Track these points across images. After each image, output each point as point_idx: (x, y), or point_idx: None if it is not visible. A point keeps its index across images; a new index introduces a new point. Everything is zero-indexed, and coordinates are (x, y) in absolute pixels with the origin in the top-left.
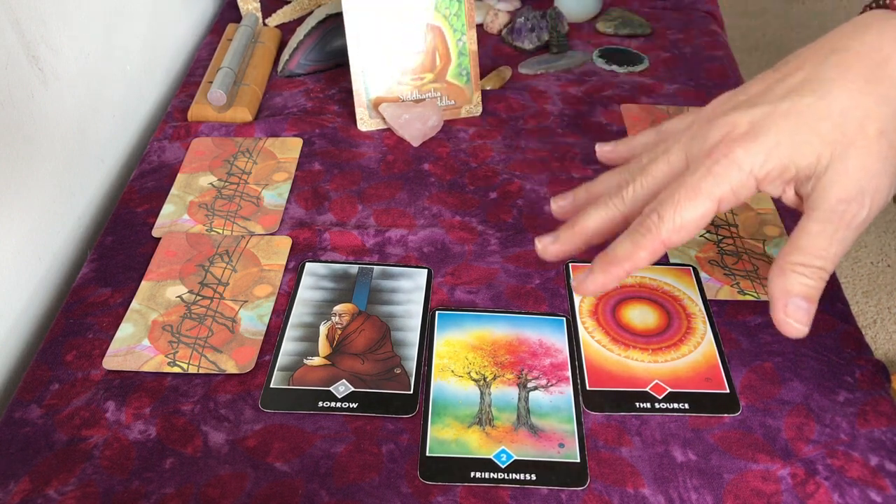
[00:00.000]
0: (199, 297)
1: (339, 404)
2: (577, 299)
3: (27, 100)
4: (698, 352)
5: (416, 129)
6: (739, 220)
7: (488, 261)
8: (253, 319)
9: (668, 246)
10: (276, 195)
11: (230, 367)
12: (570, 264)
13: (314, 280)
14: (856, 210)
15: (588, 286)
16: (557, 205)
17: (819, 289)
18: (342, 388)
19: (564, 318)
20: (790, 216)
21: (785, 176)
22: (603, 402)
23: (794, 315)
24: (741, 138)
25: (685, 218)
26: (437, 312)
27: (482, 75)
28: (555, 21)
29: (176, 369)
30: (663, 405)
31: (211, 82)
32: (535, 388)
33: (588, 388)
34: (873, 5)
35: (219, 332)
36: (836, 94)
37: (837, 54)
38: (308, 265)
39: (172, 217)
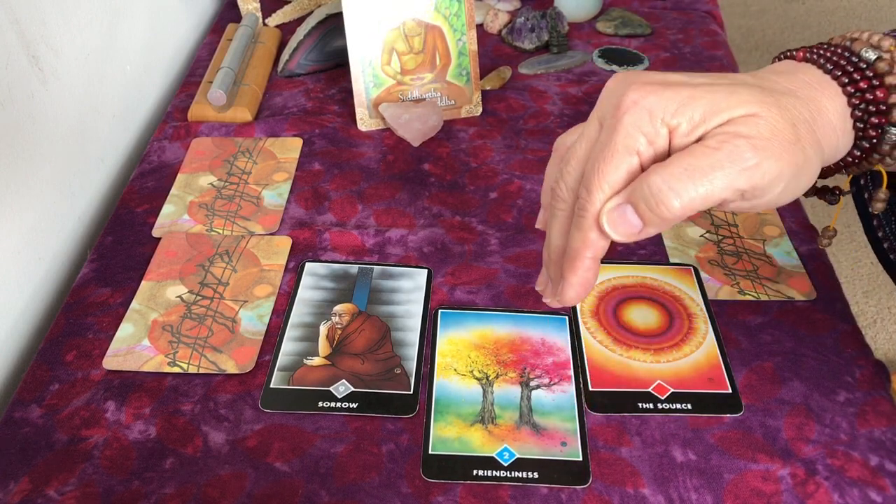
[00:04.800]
0: (199, 297)
1: (339, 404)
2: None
3: (27, 100)
4: (700, 352)
5: (415, 129)
6: (739, 221)
7: (488, 261)
8: (253, 319)
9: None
10: (276, 195)
11: (230, 367)
12: None
13: (314, 280)
14: (748, 157)
15: (568, 293)
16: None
17: (653, 221)
18: (342, 388)
19: (566, 317)
20: (790, 216)
21: (694, 132)
22: (606, 403)
23: (610, 217)
24: (652, 87)
25: (611, 181)
26: (439, 311)
27: (482, 75)
28: (555, 21)
29: (176, 369)
30: (666, 405)
31: (211, 82)
32: (538, 387)
33: (591, 389)
34: (782, 56)
35: (219, 332)
36: (745, 88)
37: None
38: (308, 265)
39: (172, 217)
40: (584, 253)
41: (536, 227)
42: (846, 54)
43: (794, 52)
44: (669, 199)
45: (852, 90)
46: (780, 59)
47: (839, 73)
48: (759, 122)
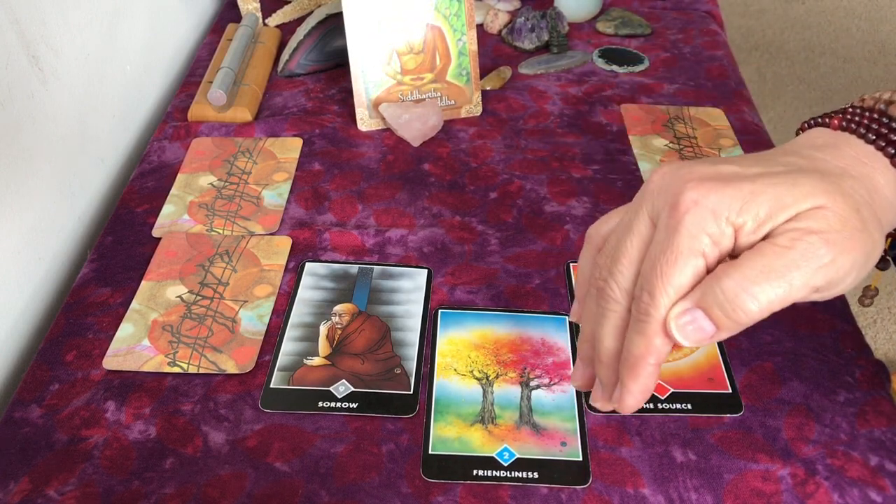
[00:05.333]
0: (199, 297)
1: (339, 404)
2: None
3: (27, 99)
4: (700, 352)
5: (415, 129)
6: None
7: (488, 261)
8: (253, 319)
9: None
10: (276, 195)
11: (230, 367)
12: (570, 263)
13: (314, 280)
14: (823, 253)
15: (628, 402)
16: (576, 372)
17: (727, 323)
18: (342, 388)
19: (567, 317)
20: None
21: (760, 230)
22: None
23: (681, 324)
24: (711, 184)
25: (677, 285)
26: (439, 311)
27: (482, 75)
28: (555, 21)
29: (176, 369)
30: (666, 405)
31: (211, 82)
32: (538, 387)
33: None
34: (812, 123)
35: (219, 332)
36: (805, 176)
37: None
38: (308, 265)
39: (172, 217)
40: (646, 359)
41: (571, 319)
42: (885, 120)
43: (827, 120)
44: (746, 304)
45: None
46: (810, 126)
47: (884, 144)
48: (827, 215)
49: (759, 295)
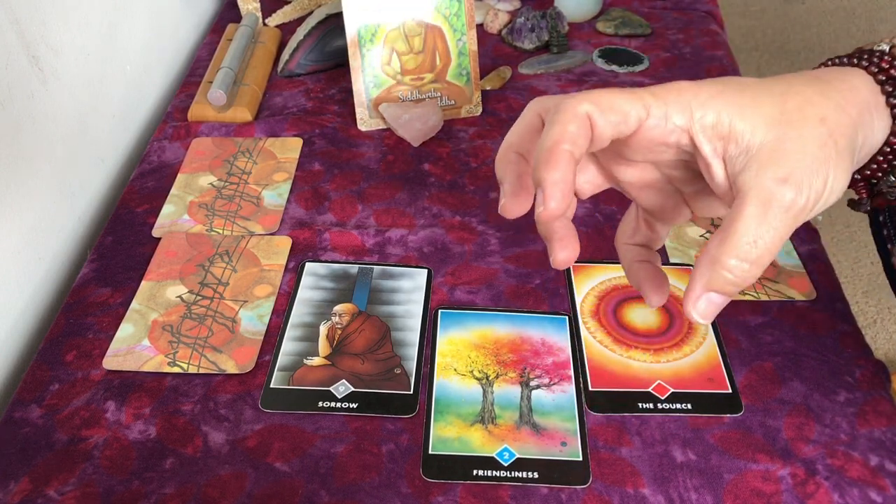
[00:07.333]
0: (199, 297)
1: (339, 404)
2: (578, 300)
3: (27, 100)
4: (700, 352)
5: (415, 129)
6: None
7: (488, 261)
8: (253, 319)
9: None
10: (276, 195)
11: (230, 367)
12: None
13: (314, 280)
14: (793, 195)
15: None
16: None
17: (741, 288)
18: (342, 388)
19: (567, 317)
20: None
21: (719, 129)
22: (606, 402)
23: (703, 311)
24: (677, 85)
25: None
26: (439, 311)
27: (482, 75)
28: (555, 21)
29: (176, 369)
30: (666, 405)
31: (211, 82)
32: (538, 387)
33: (591, 388)
34: (829, 63)
35: (219, 332)
36: (780, 83)
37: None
38: (308, 265)
39: (172, 217)
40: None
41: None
42: (861, 54)
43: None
44: (753, 272)
45: (876, 70)
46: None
47: (856, 61)
48: (784, 148)
49: (761, 259)
